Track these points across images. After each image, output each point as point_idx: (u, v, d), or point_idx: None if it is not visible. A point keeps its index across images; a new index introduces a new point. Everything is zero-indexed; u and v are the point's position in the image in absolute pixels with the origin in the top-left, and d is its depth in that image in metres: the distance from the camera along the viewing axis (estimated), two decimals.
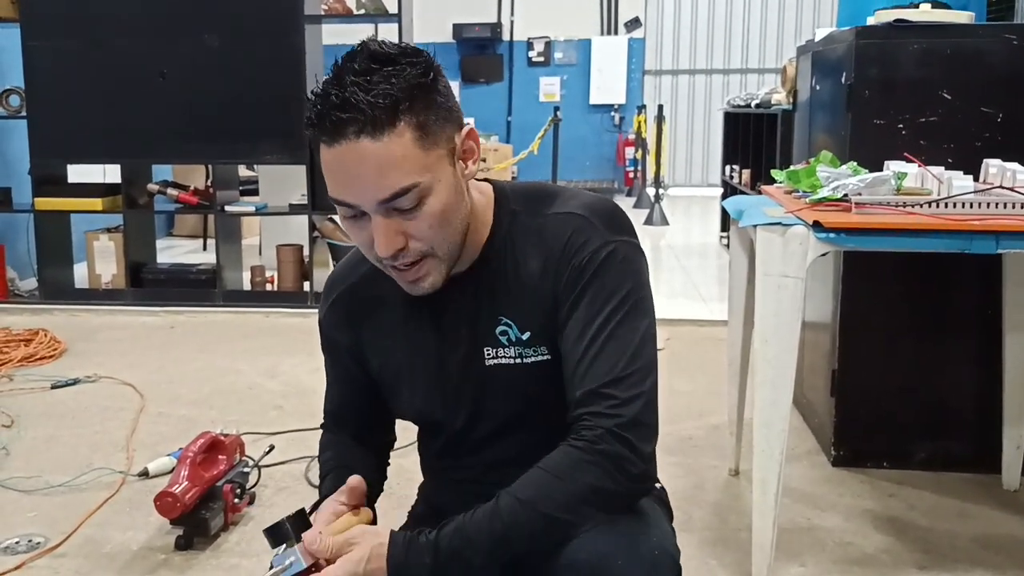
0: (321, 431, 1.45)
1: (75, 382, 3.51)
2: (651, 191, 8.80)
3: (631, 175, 10.52)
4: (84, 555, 2.17)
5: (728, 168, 6.78)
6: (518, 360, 1.23)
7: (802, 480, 2.55)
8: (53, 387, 3.47)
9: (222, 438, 2.39)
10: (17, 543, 2.21)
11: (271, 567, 1.16)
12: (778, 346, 1.93)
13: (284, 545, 1.18)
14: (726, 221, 6.81)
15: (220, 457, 2.36)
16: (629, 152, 10.49)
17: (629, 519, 1.15)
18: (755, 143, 5.96)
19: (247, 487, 2.40)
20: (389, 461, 1.47)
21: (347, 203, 1.12)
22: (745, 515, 2.25)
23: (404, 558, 1.11)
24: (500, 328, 1.23)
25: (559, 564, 1.11)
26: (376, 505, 1.32)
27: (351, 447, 1.41)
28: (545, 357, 1.22)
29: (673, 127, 10.81)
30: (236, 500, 2.33)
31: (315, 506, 1.31)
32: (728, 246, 6.66)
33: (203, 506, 2.22)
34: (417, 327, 1.28)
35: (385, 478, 1.45)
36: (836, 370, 2.63)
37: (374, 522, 1.26)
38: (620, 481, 1.13)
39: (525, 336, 1.22)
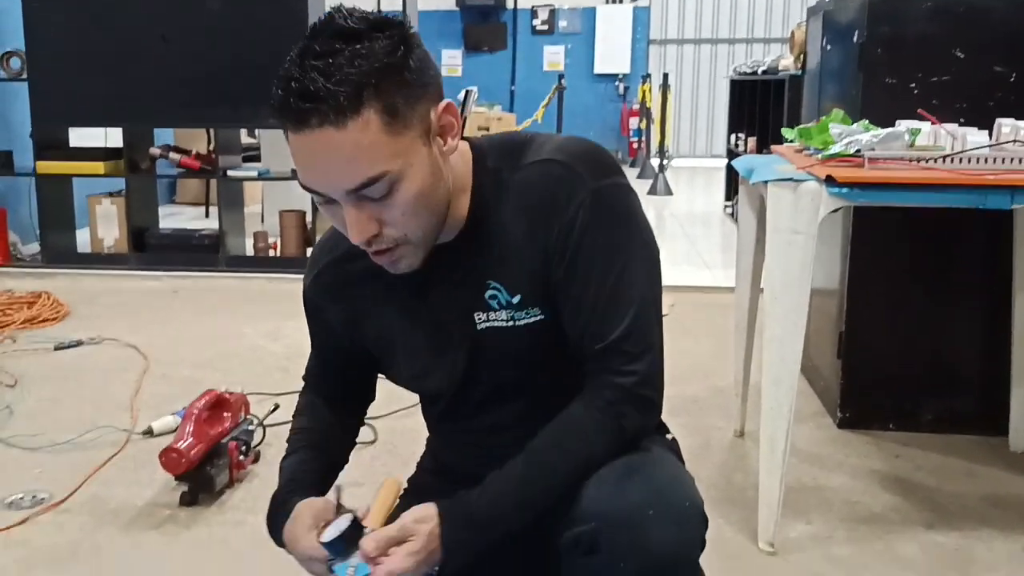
0: (301, 393, 1.41)
1: (78, 344, 3.51)
2: (655, 161, 8.76)
3: (635, 145, 10.47)
4: (89, 511, 2.16)
5: (733, 136, 6.74)
6: (510, 323, 1.19)
7: (808, 441, 2.54)
8: (56, 348, 3.46)
9: (227, 396, 2.39)
10: (21, 499, 2.20)
11: (332, 573, 1.15)
12: (788, 304, 1.92)
13: (343, 555, 1.15)
14: (730, 190, 6.79)
15: (225, 415, 2.35)
16: (633, 122, 10.43)
17: (656, 469, 1.14)
18: (761, 111, 5.91)
19: (252, 445, 2.40)
20: (365, 420, 1.45)
21: (316, 191, 1.08)
22: (751, 474, 2.25)
23: (454, 536, 1.12)
24: (489, 292, 1.19)
25: (588, 514, 1.10)
26: (381, 463, 1.31)
27: (326, 417, 1.37)
28: (538, 318, 1.19)
29: (678, 97, 10.74)
30: (241, 457, 2.33)
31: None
32: (732, 215, 6.64)
33: (208, 462, 2.21)
34: (408, 297, 1.24)
35: (354, 444, 1.41)
36: (843, 332, 2.61)
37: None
38: (637, 432, 1.17)
39: (515, 299, 1.18)
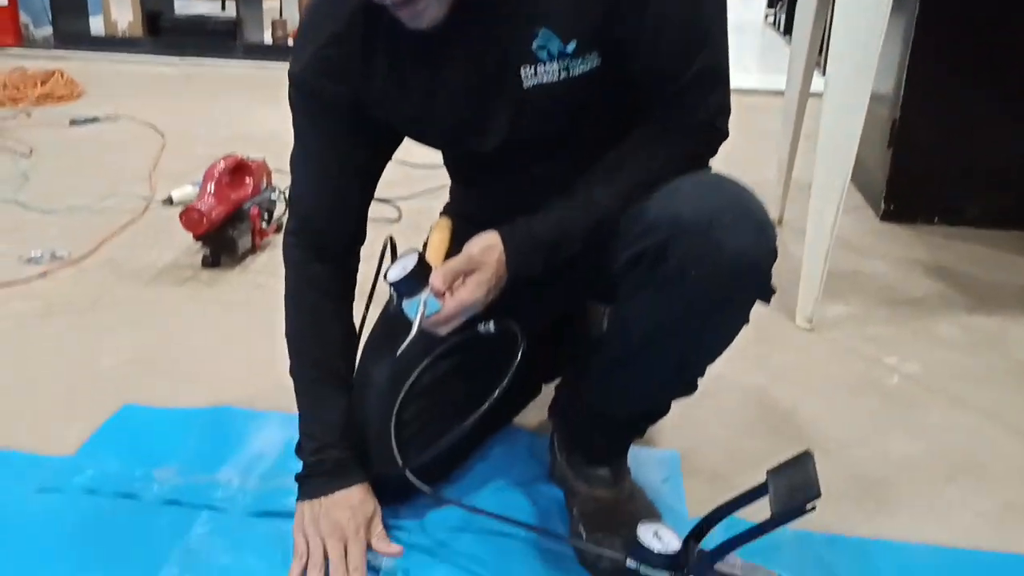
0: (288, 245, 1.25)
1: (94, 120, 3.41)
2: None
3: None
4: (109, 269, 2.12)
5: None
6: (563, 75, 1.06)
7: (848, 232, 2.45)
8: (71, 124, 3.37)
9: (248, 162, 2.30)
10: (40, 256, 2.16)
11: (401, 311, 1.10)
12: (854, 65, 1.76)
13: (411, 293, 1.09)
14: None
15: (247, 180, 2.27)
16: None
17: (725, 183, 1.06)
18: None
19: (274, 214, 2.33)
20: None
21: None
22: (788, 258, 2.15)
23: (520, 259, 1.08)
24: (538, 42, 1.04)
25: (657, 225, 1.02)
26: (405, 239, 1.22)
27: (324, 301, 1.23)
28: (594, 66, 1.06)
29: None
30: (264, 225, 2.27)
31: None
32: (774, 23, 6.33)
33: (230, 226, 2.15)
34: (431, 59, 1.09)
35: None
36: (896, 120, 2.47)
37: None
38: (705, 162, 1.15)
39: (570, 47, 1.04)
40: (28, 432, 1.46)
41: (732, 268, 1.00)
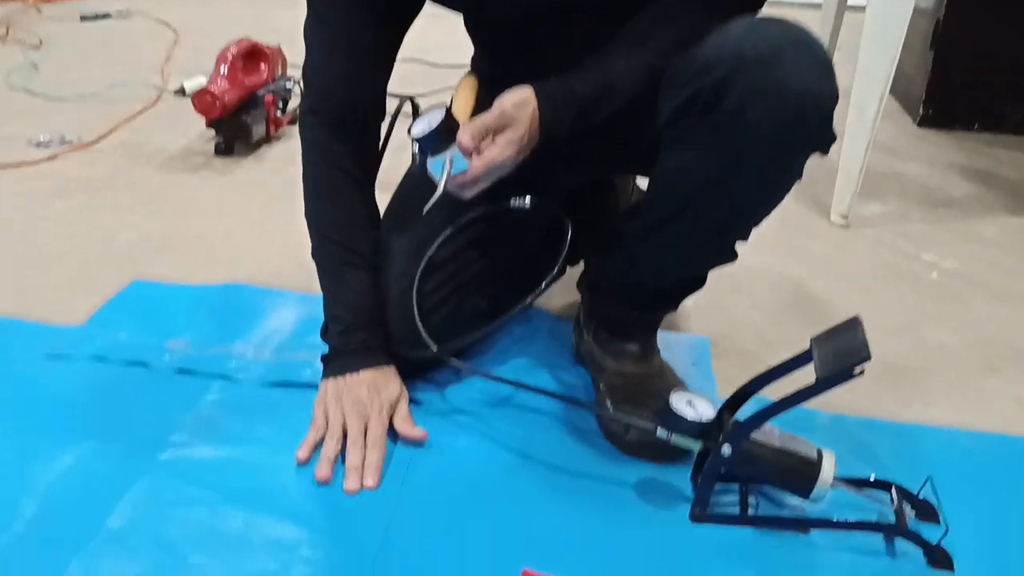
0: (305, 124, 1.18)
1: (106, 16, 3.32)
2: None
3: None
4: (121, 153, 2.07)
5: None
6: None
7: (885, 136, 2.35)
8: (82, 20, 3.28)
9: (263, 47, 2.22)
10: (48, 140, 2.09)
11: (425, 170, 1.03)
12: None
13: (436, 151, 1.02)
14: None
15: (261, 66, 2.19)
16: None
17: (782, 20, 0.97)
18: None
19: (289, 104, 2.26)
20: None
21: None
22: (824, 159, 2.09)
23: (555, 116, 1.01)
24: None
25: (713, 63, 0.95)
26: None
27: (344, 176, 1.15)
28: None
29: None
30: (279, 114, 2.20)
31: None
32: None
33: (244, 112, 2.08)
34: None
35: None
36: (941, 19, 2.35)
37: None
38: None
39: None
40: (39, 304, 1.42)
41: (795, 106, 0.92)
